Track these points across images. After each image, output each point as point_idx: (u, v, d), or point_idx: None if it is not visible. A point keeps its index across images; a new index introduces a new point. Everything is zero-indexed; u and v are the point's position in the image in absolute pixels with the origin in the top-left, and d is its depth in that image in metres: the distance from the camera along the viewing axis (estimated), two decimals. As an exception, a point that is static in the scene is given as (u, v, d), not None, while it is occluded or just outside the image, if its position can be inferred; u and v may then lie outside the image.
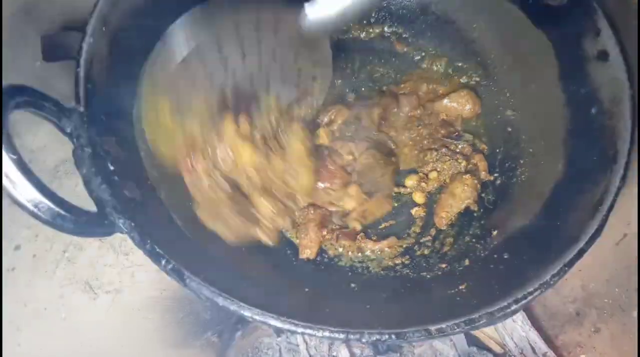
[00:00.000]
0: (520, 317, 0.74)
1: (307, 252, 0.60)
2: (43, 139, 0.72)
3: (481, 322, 0.41)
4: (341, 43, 0.74)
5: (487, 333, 0.77)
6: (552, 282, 0.44)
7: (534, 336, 0.73)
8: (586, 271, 0.71)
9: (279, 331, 0.73)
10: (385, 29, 0.74)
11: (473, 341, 0.78)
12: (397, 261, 0.61)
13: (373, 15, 0.74)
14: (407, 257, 0.61)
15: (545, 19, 0.59)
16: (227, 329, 0.71)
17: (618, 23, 0.55)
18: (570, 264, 0.44)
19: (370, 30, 0.74)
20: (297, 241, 0.62)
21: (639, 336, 0.65)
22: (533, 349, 0.72)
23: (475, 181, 0.64)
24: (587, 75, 0.56)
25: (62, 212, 0.39)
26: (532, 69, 0.63)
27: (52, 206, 0.39)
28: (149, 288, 0.68)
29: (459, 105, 0.69)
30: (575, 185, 0.53)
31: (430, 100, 0.71)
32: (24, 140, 0.70)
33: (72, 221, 0.40)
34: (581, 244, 0.45)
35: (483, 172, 0.66)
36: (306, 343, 0.71)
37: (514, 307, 0.42)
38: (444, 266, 0.58)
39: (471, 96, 0.69)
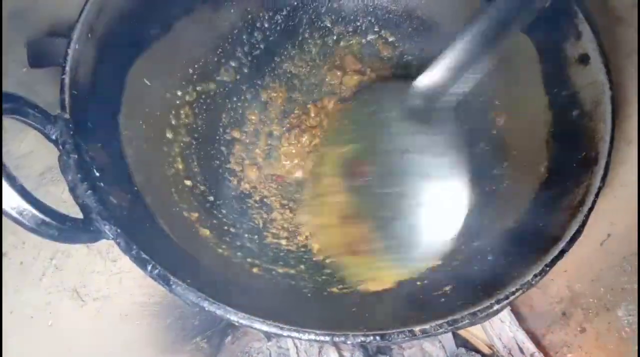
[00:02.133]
0: (508, 317, 0.74)
1: None
2: (29, 146, 0.71)
3: (464, 322, 0.42)
4: (327, 48, 0.75)
5: (475, 334, 0.78)
6: (533, 282, 0.44)
7: (522, 336, 0.73)
8: (572, 271, 0.72)
9: (268, 336, 0.73)
10: (370, 34, 0.75)
11: (461, 343, 0.78)
12: None
13: (359, 20, 0.75)
14: None
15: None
16: (216, 334, 0.71)
17: (598, 27, 0.56)
18: (552, 264, 0.45)
19: (357, 34, 0.75)
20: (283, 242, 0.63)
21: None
22: (521, 349, 0.73)
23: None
24: (569, 78, 0.57)
25: (47, 219, 0.39)
26: (516, 71, 0.64)
27: (36, 213, 0.39)
28: (137, 294, 0.68)
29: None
30: (558, 186, 0.53)
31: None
32: (9, 147, 0.70)
33: (56, 228, 0.40)
34: (562, 245, 0.46)
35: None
36: (296, 347, 0.71)
37: (496, 307, 0.43)
38: (430, 268, 0.58)
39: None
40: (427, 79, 0.57)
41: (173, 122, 0.63)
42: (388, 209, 0.57)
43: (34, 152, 0.71)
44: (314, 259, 0.61)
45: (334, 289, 0.56)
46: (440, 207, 0.56)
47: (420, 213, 0.56)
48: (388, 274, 0.56)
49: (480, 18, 0.53)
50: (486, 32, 0.53)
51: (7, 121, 0.41)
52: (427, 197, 0.56)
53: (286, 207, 0.66)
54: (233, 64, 0.70)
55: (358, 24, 0.75)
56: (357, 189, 0.59)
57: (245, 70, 0.72)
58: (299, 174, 0.69)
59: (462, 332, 0.78)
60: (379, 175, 0.58)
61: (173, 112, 0.63)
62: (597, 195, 0.49)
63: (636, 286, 0.70)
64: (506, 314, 0.74)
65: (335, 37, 0.75)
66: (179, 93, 0.65)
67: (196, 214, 0.58)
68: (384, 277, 0.55)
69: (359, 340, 0.41)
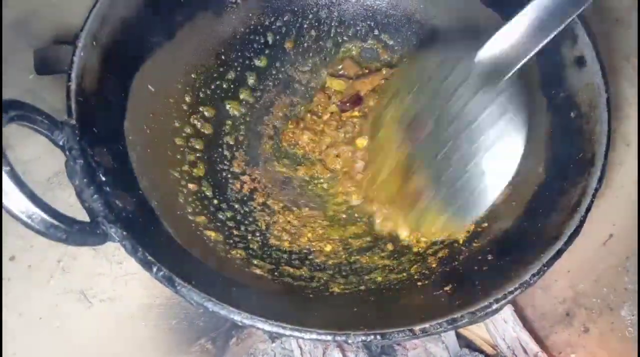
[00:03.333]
0: (511, 318, 0.74)
1: None
2: (36, 151, 0.73)
3: (464, 321, 0.42)
4: (327, 53, 0.76)
5: (479, 335, 0.78)
6: (532, 282, 0.45)
7: (525, 337, 0.73)
8: (575, 271, 0.73)
9: (273, 337, 0.73)
10: (370, 38, 0.76)
11: (465, 343, 0.78)
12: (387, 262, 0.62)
13: (359, 24, 0.75)
14: (393, 260, 0.62)
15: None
16: (221, 336, 0.71)
17: (595, 28, 0.57)
18: (550, 263, 0.45)
19: (357, 39, 0.76)
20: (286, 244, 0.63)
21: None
22: (524, 349, 0.73)
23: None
24: (566, 81, 0.58)
25: (55, 222, 0.40)
26: (514, 73, 0.64)
27: (45, 216, 0.40)
28: (142, 296, 0.69)
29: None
30: (555, 187, 0.54)
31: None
32: (17, 153, 0.71)
33: (64, 230, 0.41)
34: (560, 244, 0.47)
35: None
36: (300, 348, 0.72)
37: (494, 306, 0.43)
38: (431, 268, 0.59)
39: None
40: (493, 46, 0.55)
41: (177, 126, 0.64)
42: (442, 166, 0.58)
43: (40, 157, 0.72)
44: (316, 261, 0.62)
45: (336, 289, 0.56)
46: (490, 171, 0.56)
47: (471, 173, 0.57)
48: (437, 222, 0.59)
49: None
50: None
51: (13, 128, 0.42)
52: (480, 155, 0.56)
53: (288, 209, 0.67)
54: (235, 69, 0.71)
55: (358, 28, 0.75)
56: (414, 146, 0.61)
57: (247, 75, 0.72)
58: (301, 173, 0.70)
59: (465, 332, 0.78)
60: (436, 133, 0.59)
61: (177, 117, 0.64)
62: (594, 196, 0.49)
63: (638, 286, 0.71)
64: (509, 315, 0.74)
65: (335, 42, 0.76)
66: (182, 99, 0.65)
67: (201, 217, 0.59)
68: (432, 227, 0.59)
69: (360, 339, 0.41)
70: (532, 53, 0.52)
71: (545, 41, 0.51)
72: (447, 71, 0.58)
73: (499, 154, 0.55)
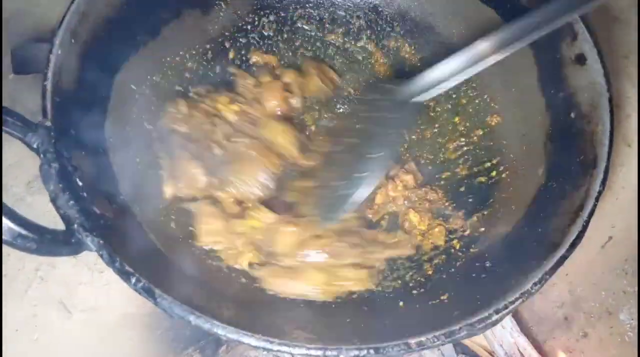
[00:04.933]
0: (509, 323, 0.73)
1: None
2: (16, 155, 0.70)
3: (462, 334, 0.40)
4: (320, 53, 0.74)
5: (476, 341, 0.76)
6: (533, 291, 0.43)
7: (524, 342, 0.72)
8: (573, 275, 0.71)
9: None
10: (363, 36, 0.74)
11: (462, 349, 0.77)
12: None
13: (352, 22, 0.73)
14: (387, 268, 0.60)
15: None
16: (210, 345, 0.69)
17: (594, 26, 0.55)
18: (552, 271, 0.44)
19: (351, 38, 0.74)
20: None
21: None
22: (522, 355, 0.72)
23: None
24: (566, 79, 0.56)
25: (23, 231, 0.38)
26: (512, 73, 0.63)
27: (12, 225, 0.37)
28: (125, 305, 0.66)
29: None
30: (556, 190, 0.52)
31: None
32: (-6, 155, 0.69)
33: (34, 240, 0.39)
34: (562, 251, 0.45)
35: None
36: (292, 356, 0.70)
37: (494, 317, 0.41)
38: (426, 275, 0.57)
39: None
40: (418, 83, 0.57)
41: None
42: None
43: (20, 161, 0.70)
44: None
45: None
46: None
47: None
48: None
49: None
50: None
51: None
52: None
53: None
54: (223, 68, 0.69)
55: (350, 26, 0.73)
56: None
57: (235, 74, 0.70)
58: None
59: (461, 338, 0.77)
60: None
61: (161, 117, 0.62)
62: (597, 199, 0.48)
63: (637, 289, 0.70)
64: (507, 320, 0.72)
65: (327, 40, 0.74)
66: (167, 98, 0.63)
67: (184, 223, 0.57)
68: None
69: (353, 354, 0.39)
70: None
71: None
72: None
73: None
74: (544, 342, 0.71)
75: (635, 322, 0.69)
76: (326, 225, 0.55)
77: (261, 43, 0.71)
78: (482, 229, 0.58)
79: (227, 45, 0.69)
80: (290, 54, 0.72)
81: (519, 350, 0.71)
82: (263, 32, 0.71)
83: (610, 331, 0.69)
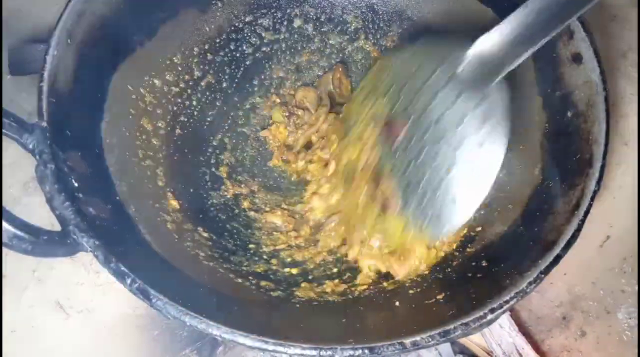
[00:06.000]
0: (507, 322, 0.73)
1: None
2: (13, 155, 0.70)
3: (457, 333, 0.40)
4: (316, 51, 0.74)
5: (473, 340, 0.76)
6: (528, 290, 0.43)
7: (521, 342, 0.72)
8: (571, 274, 0.71)
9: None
10: (361, 35, 0.74)
11: (459, 349, 0.77)
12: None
13: (349, 22, 0.73)
14: None
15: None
16: (207, 345, 0.69)
17: (591, 25, 0.55)
18: (547, 270, 0.44)
19: (347, 37, 0.74)
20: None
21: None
22: (520, 354, 0.72)
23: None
24: (562, 78, 0.56)
25: (19, 232, 0.38)
26: (509, 71, 0.63)
27: (7, 226, 0.37)
28: (122, 306, 0.66)
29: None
30: (553, 190, 0.52)
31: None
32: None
33: (30, 241, 0.39)
34: (558, 250, 0.45)
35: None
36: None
37: (489, 317, 0.41)
38: (423, 275, 0.57)
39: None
40: (483, 45, 0.52)
41: (160, 128, 0.62)
42: (415, 174, 0.55)
43: (17, 161, 0.70)
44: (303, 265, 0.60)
45: (328, 298, 0.55)
46: (467, 181, 0.52)
47: (447, 183, 0.53)
48: (414, 242, 0.55)
49: None
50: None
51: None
52: (456, 169, 0.53)
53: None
54: (220, 68, 0.69)
55: (347, 25, 0.73)
56: (389, 148, 0.57)
57: (233, 75, 0.70)
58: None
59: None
60: (412, 138, 0.55)
61: (158, 118, 0.62)
62: (592, 198, 0.47)
63: (636, 288, 0.70)
64: (505, 319, 0.72)
65: (324, 40, 0.74)
66: (164, 99, 0.63)
67: (180, 223, 0.57)
68: (411, 247, 0.55)
69: (348, 354, 0.39)
70: (526, 55, 0.50)
71: (541, 43, 0.48)
72: (429, 72, 0.55)
73: (475, 168, 0.52)
74: (542, 342, 0.71)
75: (633, 321, 0.69)
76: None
77: (259, 43, 0.71)
78: (479, 228, 0.58)
79: (224, 44, 0.69)
80: (286, 51, 0.72)
81: (517, 349, 0.71)
82: (260, 32, 0.71)
83: (609, 330, 0.69)
